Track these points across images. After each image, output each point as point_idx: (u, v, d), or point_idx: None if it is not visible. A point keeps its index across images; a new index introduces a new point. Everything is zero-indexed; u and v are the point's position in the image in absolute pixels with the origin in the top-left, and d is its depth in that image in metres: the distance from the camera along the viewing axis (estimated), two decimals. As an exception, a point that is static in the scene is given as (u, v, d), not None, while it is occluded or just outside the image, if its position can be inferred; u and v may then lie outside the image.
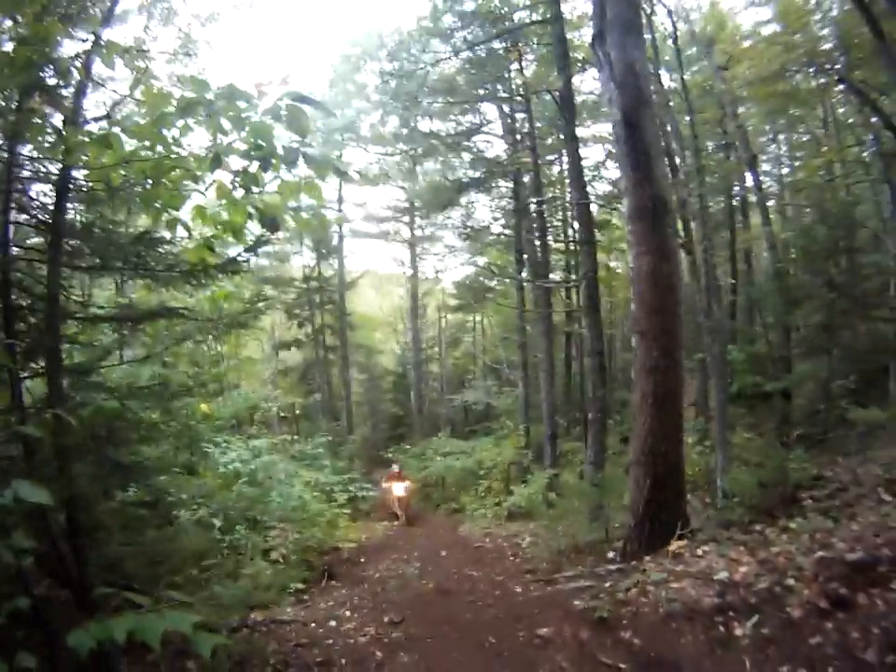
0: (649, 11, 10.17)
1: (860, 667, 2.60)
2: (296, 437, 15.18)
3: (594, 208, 12.77)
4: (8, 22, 3.10)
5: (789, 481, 5.43)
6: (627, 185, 5.70)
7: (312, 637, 4.48)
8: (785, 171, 18.97)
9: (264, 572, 5.35)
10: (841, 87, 10.99)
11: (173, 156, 2.57)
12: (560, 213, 18.26)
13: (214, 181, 2.80)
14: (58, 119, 3.41)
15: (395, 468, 14.81)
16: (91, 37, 3.25)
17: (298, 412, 20.56)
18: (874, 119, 10.69)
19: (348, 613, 5.34)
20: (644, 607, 3.88)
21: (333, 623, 4.94)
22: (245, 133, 2.48)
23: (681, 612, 3.58)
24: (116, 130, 2.55)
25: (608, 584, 4.54)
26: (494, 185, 17.83)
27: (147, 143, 2.56)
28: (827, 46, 11.51)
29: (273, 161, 2.58)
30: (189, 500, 4.87)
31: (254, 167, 2.64)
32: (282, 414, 18.12)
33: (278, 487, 8.39)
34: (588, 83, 15.98)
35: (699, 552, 4.51)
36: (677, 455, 5.47)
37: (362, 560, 8.77)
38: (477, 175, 16.85)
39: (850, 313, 10.49)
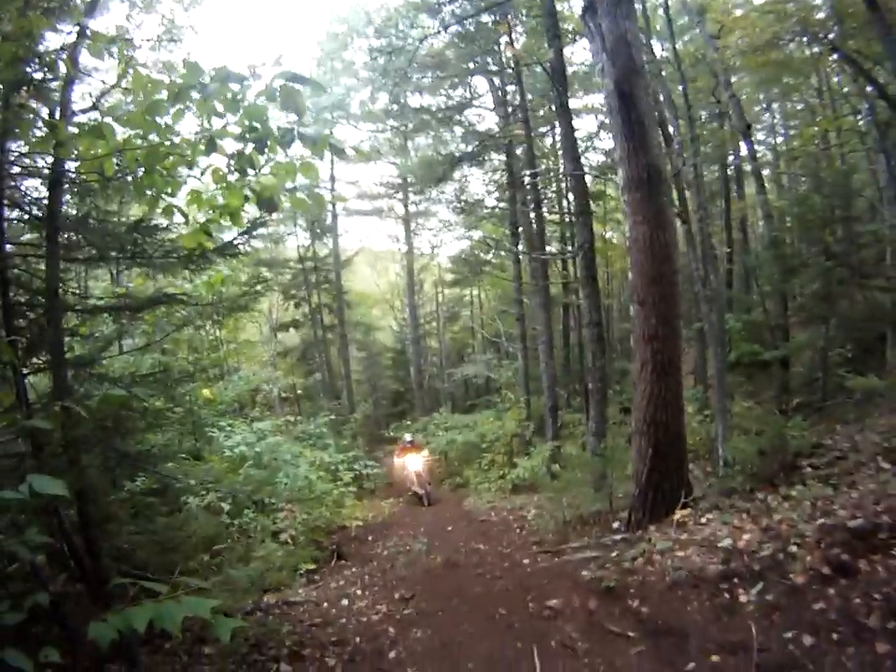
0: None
1: (862, 633, 2.64)
2: (298, 417, 15.21)
3: (588, 179, 12.64)
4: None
5: (788, 449, 5.48)
6: (622, 155, 5.64)
7: (325, 617, 4.55)
8: (780, 140, 18.87)
9: (275, 554, 5.42)
10: (835, 56, 10.83)
11: (167, 143, 2.54)
12: (554, 184, 18.13)
13: (209, 165, 2.79)
14: (46, 113, 3.36)
15: (407, 437, 13.75)
16: (76, 29, 3.19)
17: (299, 392, 20.62)
18: (868, 89, 10.59)
19: (359, 592, 5.43)
20: (650, 575, 3.95)
21: (345, 602, 5.03)
22: (238, 115, 2.46)
23: (687, 580, 3.65)
24: (108, 120, 2.52)
25: (614, 554, 4.61)
26: (487, 158, 17.58)
27: (139, 131, 2.53)
28: (821, 15, 11.31)
29: (269, 142, 2.57)
30: (196, 486, 4.90)
31: (249, 149, 2.63)
32: (283, 395, 18.18)
33: (284, 468, 8.45)
34: (579, 54, 15.84)
35: (702, 520, 4.58)
36: (678, 424, 5.50)
37: (370, 538, 8.88)
38: (469, 148, 16.62)
39: (847, 281, 10.47)
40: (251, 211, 3.44)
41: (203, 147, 2.55)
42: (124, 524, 4.17)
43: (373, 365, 24.37)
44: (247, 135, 2.54)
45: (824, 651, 2.64)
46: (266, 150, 2.62)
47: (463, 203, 18.62)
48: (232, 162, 2.68)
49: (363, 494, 12.83)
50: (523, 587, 4.59)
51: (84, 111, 3.41)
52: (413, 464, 12.54)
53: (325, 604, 5.00)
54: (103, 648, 2.00)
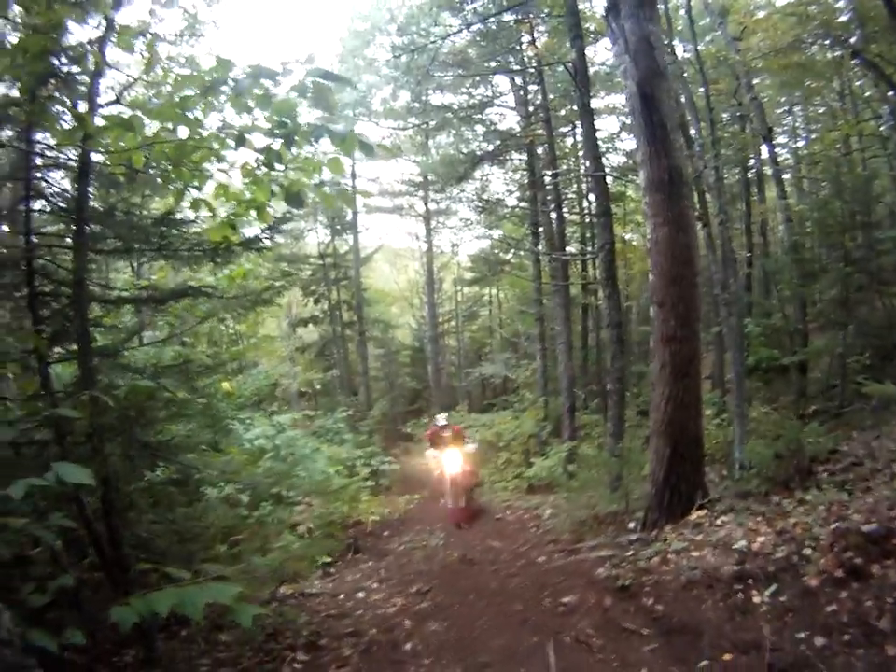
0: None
1: (872, 635, 2.66)
2: (316, 412, 15.32)
3: (609, 180, 12.59)
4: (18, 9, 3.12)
5: (804, 454, 5.44)
6: (643, 157, 5.66)
7: (341, 609, 4.63)
8: (801, 143, 18.59)
9: (292, 546, 5.49)
10: (856, 60, 10.67)
11: (196, 136, 2.59)
12: (575, 185, 18.06)
13: (236, 160, 2.85)
14: (73, 105, 3.44)
15: (441, 419, 9.87)
16: (104, 22, 3.26)
17: (317, 387, 20.76)
18: (890, 94, 10.43)
19: (375, 585, 5.49)
20: (665, 575, 3.96)
21: (361, 595, 5.10)
22: (269, 111, 2.51)
23: (702, 580, 3.66)
24: (137, 112, 2.58)
25: (629, 553, 4.63)
26: (508, 157, 17.62)
27: (168, 124, 2.59)
28: (843, 18, 11.16)
29: (297, 137, 2.62)
30: (215, 477, 4.98)
31: (277, 144, 2.67)
32: (301, 390, 18.31)
33: (303, 462, 8.56)
34: (601, 54, 15.66)
35: (718, 521, 4.58)
36: (696, 426, 5.50)
37: (386, 533, 8.95)
38: (491, 147, 16.65)
39: (867, 287, 10.36)
40: (276, 206, 3.49)
41: (231, 142, 2.60)
42: (144, 513, 4.26)
43: (391, 362, 24.43)
44: (276, 131, 2.59)
45: (835, 652, 2.66)
46: (294, 145, 2.68)
47: (484, 202, 18.63)
48: (261, 157, 2.74)
49: (379, 489, 12.89)
50: (538, 584, 4.61)
51: (110, 104, 3.48)
52: (451, 463, 8.86)
53: (341, 596, 5.08)
54: (124, 630, 2.06)
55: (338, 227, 21.02)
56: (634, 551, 4.67)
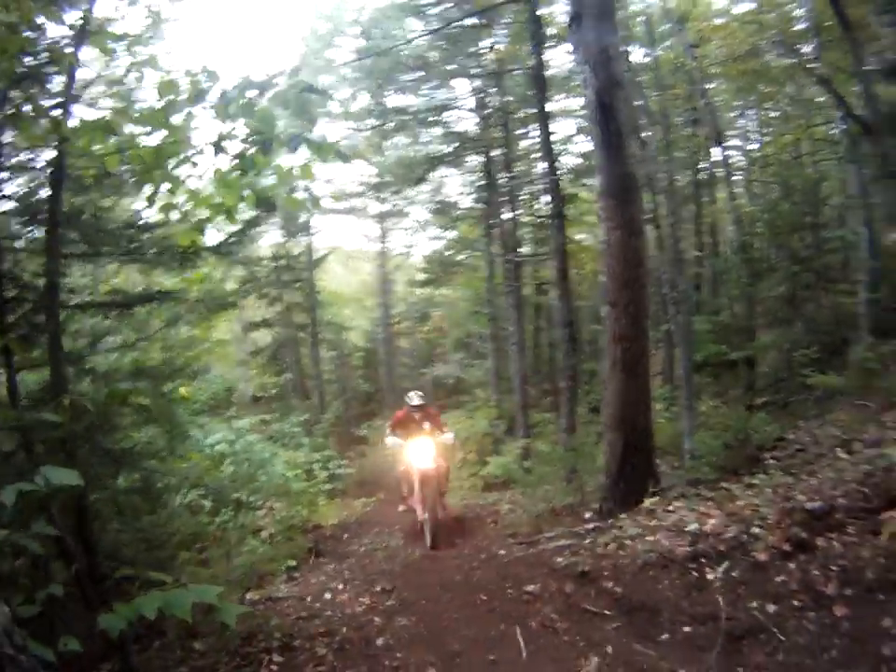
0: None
1: (820, 599, 2.92)
2: (272, 417, 15.15)
3: (563, 182, 12.92)
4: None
5: (752, 442, 5.80)
6: (599, 163, 6.00)
7: (310, 611, 4.65)
8: (753, 146, 19.22)
9: (257, 551, 5.49)
10: (809, 67, 11.23)
11: (174, 142, 2.64)
12: (530, 187, 18.33)
13: (210, 164, 2.89)
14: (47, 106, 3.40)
15: (413, 397, 7.60)
16: (80, 21, 3.24)
17: (272, 391, 20.49)
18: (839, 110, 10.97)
19: (341, 586, 5.48)
20: (623, 559, 4.17)
21: (328, 596, 5.11)
22: (249, 120, 2.58)
23: (657, 561, 3.88)
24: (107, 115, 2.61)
25: (587, 541, 4.84)
26: (464, 160, 17.79)
27: (146, 128, 2.63)
28: (799, 27, 11.73)
29: (274, 144, 2.70)
30: (178, 484, 4.95)
31: (252, 150, 2.74)
32: (256, 395, 18.04)
33: (262, 467, 8.50)
34: (559, 58, 15.99)
35: (670, 507, 4.83)
36: (646, 419, 5.86)
37: (345, 536, 8.94)
38: (448, 149, 16.82)
39: (813, 286, 10.97)
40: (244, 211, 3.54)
41: (210, 148, 2.67)
42: (109, 521, 4.21)
43: (344, 365, 24.26)
44: (254, 138, 2.67)
45: (787, 617, 2.91)
46: (270, 153, 2.76)
47: (439, 204, 18.77)
48: (235, 162, 2.80)
49: (336, 493, 12.86)
50: (501, 575, 4.74)
51: (89, 105, 3.46)
52: (422, 457, 6.87)
53: (308, 598, 5.09)
54: (112, 637, 2.10)
55: (292, 229, 20.79)
56: (591, 539, 4.88)
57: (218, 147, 2.74)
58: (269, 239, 20.83)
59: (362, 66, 13.99)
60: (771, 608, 3.00)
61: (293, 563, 6.51)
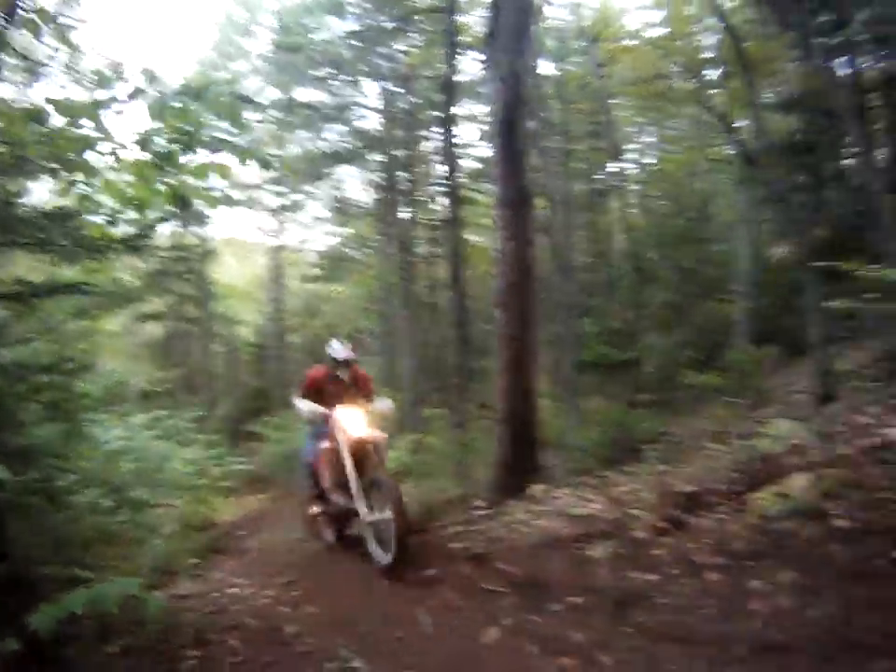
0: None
1: (693, 567, 3.38)
2: (164, 413, 14.50)
3: (461, 186, 13.30)
4: None
5: (633, 436, 6.43)
6: (498, 175, 6.40)
7: (217, 606, 4.66)
8: (650, 160, 20.17)
9: (159, 550, 5.40)
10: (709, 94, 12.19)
11: (101, 135, 2.66)
12: (429, 188, 18.65)
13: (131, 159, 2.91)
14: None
15: (336, 348, 5.50)
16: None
17: (164, 387, 19.54)
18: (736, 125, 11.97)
19: (244, 581, 5.47)
20: (514, 541, 4.55)
21: (233, 591, 5.11)
22: (178, 120, 2.66)
23: (546, 542, 4.28)
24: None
25: (480, 527, 5.17)
26: (367, 158, 17.89)
27: (71, 119, 2.63)
28: (706, 55, 12.75)
29: (197, 145, 2.79)
30: (80, 482, 4.78)
31: (172, 147, 2.81)
32: (147, 390, 17.17)
33: (159, 464, 8.24)
34: (468, 64, 16.35)
35: (557, 494, 5.30)
36: (533, 414, 6.37)
37: (243, 533, 8.90)
38: (351, 147, 16.85)
39: (697, 294, 12.10)
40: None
41: (134, 143, 2.71)
42: (13, 522, 4.03)
43: (235, 360, 23.61)
44: (178, 136, 2.74)
45: (664, 584, 3.34)
46: (191, 152, 2.85)
47: (337, 201, 18.67)
48: (155, 159, 2.85)
49: (229, 490, 12.56)
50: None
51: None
52: (352, 430, 4.91)
53: (215, 594, 5.07)
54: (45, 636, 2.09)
55: (187, 218, 19.90)
56: (483, 524, 5.21)
57: (143, 145, 2.79)
58: (163, 228, 19.87)
59: (277, 59, 13.72)
60: (650, 576, 3.42)
61: (195, 560, 6.44)
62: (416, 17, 12.88)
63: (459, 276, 10.38)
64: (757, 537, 3.51)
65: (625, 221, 14.46)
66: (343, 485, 4.98)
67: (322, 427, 5.28)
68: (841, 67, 9.41)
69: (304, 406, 5.23)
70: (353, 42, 14.09)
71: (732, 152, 12.88)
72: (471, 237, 19.51)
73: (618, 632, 3.04)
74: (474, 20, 13.30)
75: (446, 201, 13.01)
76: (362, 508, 4.77)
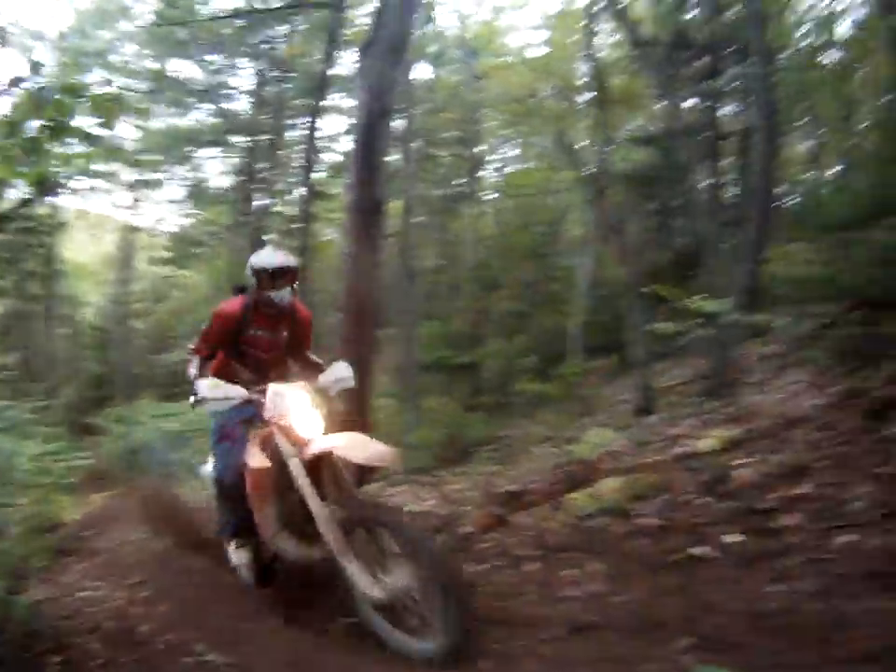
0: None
1: (514, 559, 3.92)
2: (4, 403, 13.35)
3: (319, 179, 13.36)
4: None
5: (468, 437, 7.13)
6: (354, 182, 6.47)
7: (71, 610, 4.69)
8: (509, 169, 20.47)
9: (5, 553, 5.31)
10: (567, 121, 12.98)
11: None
12: (288, 178, 18.47)
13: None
14: None
15: (272, 253, 3.61)
16: None
17: (4, 374, 17.80)
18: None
19: (95, 583, 5.49)
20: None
21: (84, 594, 5.15)
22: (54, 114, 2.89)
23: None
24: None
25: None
26: (230, 142, 17.46)
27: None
28: (580, 80, 13.41)
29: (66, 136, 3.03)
30: None
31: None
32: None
33: (7, 461, 7.79)
34: (347, 58, 16.33)
35: (393, 491, 5.80)
36: (366, 413, 6.52)
37: (90, 533, 8.52)
38: (217, 129, 16.37)
39: (540, 305, 13.00)
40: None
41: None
42: None
43: (78, 345, 21.98)
44: (49, 124, 2.93)
45: (489, 573, 3.86)
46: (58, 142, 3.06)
47: (195, 182, 17.98)
48: (24, 145, 3.00)
49: (72, 487, 11.93)
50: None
51: None
52: (298, 418, 3.12)
53: (67, 598, 5.08)
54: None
55: (40, 188, 18.07)
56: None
57: (10, 130, 2.93)
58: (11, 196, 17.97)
59: (157, 33, 13.03)
60: (476, 567, 3.93)
61: (42, 563, 6.31)
62: (305, 4, 12.79)
63: (306, 268, 10.56)
64: (571, 532, 4.06)
65: (475, 229, 15.10)
66: (296, 523, 3.30)
67: (240, 414, 3.41)
68: (701, 113, 10.61)
69: (209, 388, 3.17)
70: (237, 21, 13.82)
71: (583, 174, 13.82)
72: (326, 231, 19.53)
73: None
74: (360, 17, 13.55)
75: (303, 191, 13.02)
76: (354, 569, 3.00)
